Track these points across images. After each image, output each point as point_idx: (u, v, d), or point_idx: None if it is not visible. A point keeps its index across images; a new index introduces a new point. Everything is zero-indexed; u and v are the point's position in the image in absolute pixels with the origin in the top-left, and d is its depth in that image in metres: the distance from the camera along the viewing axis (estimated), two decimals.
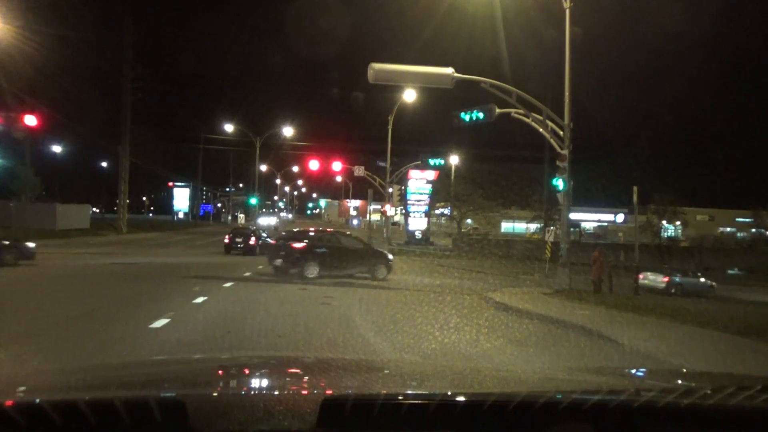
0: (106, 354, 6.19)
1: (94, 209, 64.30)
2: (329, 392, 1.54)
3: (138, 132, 46.07)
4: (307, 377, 2.01)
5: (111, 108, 43.79)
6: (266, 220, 63.53)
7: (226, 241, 27.43)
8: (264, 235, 29.83)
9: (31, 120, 26.40)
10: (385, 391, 1.59)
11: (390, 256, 17.19)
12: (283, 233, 19.09)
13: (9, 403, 1.27)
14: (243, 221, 50.84)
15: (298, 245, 15.77)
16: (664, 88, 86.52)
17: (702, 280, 24.38)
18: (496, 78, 14.31)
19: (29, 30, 25.72)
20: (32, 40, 26.32)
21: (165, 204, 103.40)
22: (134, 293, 11.50)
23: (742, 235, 63.52)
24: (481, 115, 14.77)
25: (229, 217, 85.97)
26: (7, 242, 17.24)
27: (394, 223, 53.34)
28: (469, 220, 52.82)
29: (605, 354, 7.34)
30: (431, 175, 48.62)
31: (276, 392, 1.74)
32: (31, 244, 17.67)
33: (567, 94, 14.27)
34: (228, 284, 13.47)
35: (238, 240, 27.12)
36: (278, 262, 15.87)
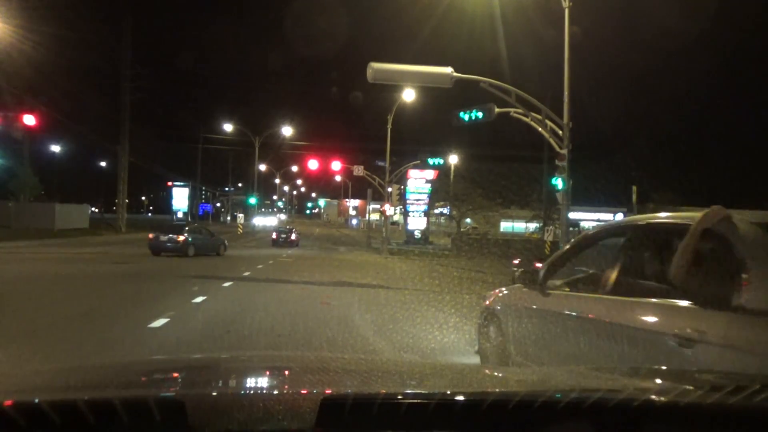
0: (105, 354, 6.19)
1: (93, 209, 64.29)
2: (328, 392, 1.53)
3: (137, 131, 46.08)
4: (306, 376, 2.01)
5: (110, 107, 43.77)
6: (263, 221, 63.53)
7: (274, 237, 38.14)
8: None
9: (29, 119, 26.38)
10: (384, 391, 1.59)
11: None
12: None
13: (8, 402, 1.27)
14: (242, 221, 50.85)
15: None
16: (663, 87, 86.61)
17: None
18: (495, 77, 14.32)
19: (28, 29, 25.70)
20: (31, 40, 26.31)
21: (164, 204, 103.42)
22: (133, 293, 11.50)
23: None
24: (480, 114, 14.80)
25: (228, 217, 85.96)
26: (223, 238, 25.68)
27: (394, 223, 53.41)
28: (468, 220, 52.81)
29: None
30: (430, 174, 48.63)
31: (275, 392, 1.74)
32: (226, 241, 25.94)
33: (566, 93, 14.27)
34: (227, 284, 13.47)
35: (283, 236, 38.12)
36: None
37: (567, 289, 4.42)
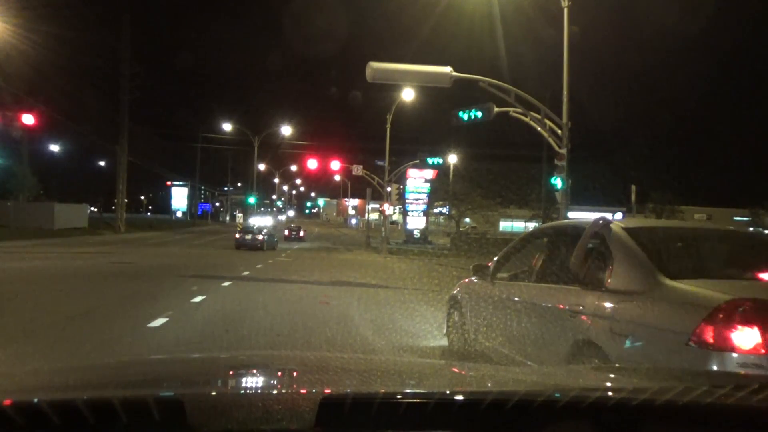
0: (105, 353, 6.18)
1: (92, 208, 64.15)
2: (328, 391, 1.53)
3: (136, 131, 46.09)
4: (305, 376, 2.01)
5: (109, 107, 43.76)
6: (259, 221, 63.51)
7: (286, 233, 47.18)
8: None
9: (28, 119, 26.38)
10: (383, 390, 1.59)
11: None
12: None
13: (7, 402, 1.27)
14: (241, 220, 51.11)
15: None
16: (662, 86, 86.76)
17: None
18: (494, 77, 14.32)
19: (26, 28, 25.67)
20: (30, 39, 26.28)
21: (163, 203, 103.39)
22: (132, 292, 11.49)
23: None
24: (479, 114, 14.79)
25: (227, 217, 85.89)
26: (275, 236, 31.69)
27: (393, 222, 53.38)
28: (467, 219, 52.83)
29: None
30: (429, 174, 48.63)
31: (274, 391, 1.74)
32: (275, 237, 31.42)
33: (565, 92, 14.27)
34: (226, 283, 13.46)
35: (294, 232, 47.78)
36: None
37: (509, 280, 5.58)
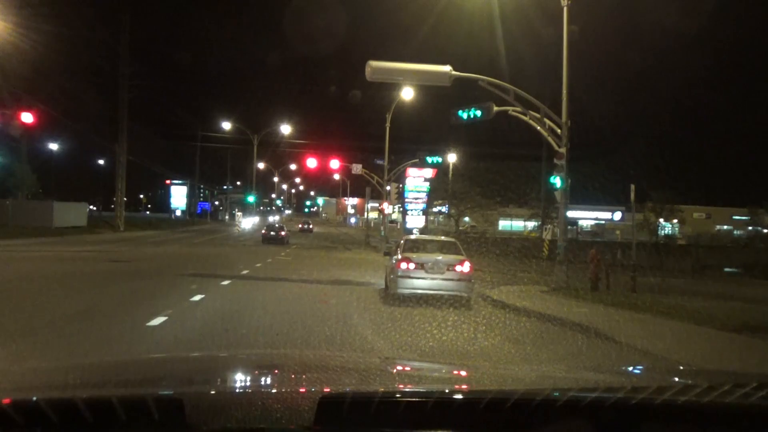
0: (104, 352, 6.19)
1: (91, 207, 64.02)
2: (327, 390, 1.54)
3: (135, 129, 45.99)
4: (304, 375, 2.02)
5: (108, 105, 43.66)
6: (250, 221, 63.46)
7: (300, 226, 57.31)
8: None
9: (27, 117, 26.31)
10: (382, 389, 1.59)
11: None
12: None
13: (6, 401, 1.27)
14: (241, 219, 51.27)
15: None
16: (661, 85, 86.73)
17: None
18: (494, 76, 14.32)
19: (25, 27, 25.63)
20: (28, 37, 26.22)
21: (162, 202, 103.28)
22: (131, 291, 11.49)
23: (738, 233, 63.57)
24: (478, 113, 14.79)
25: (227, 216, 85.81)
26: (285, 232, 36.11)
27: (392, 221, 53.40)
28: (466, 218, 52.82)
29: (602, 352, 7.36)
30: (429, 173, 48.56)
31: (274, 390, 1.74)
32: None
33: (564, 92, 14.28)
34: (225, 282, 13.46)
35: (306, 227, 57.17)
36: None
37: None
